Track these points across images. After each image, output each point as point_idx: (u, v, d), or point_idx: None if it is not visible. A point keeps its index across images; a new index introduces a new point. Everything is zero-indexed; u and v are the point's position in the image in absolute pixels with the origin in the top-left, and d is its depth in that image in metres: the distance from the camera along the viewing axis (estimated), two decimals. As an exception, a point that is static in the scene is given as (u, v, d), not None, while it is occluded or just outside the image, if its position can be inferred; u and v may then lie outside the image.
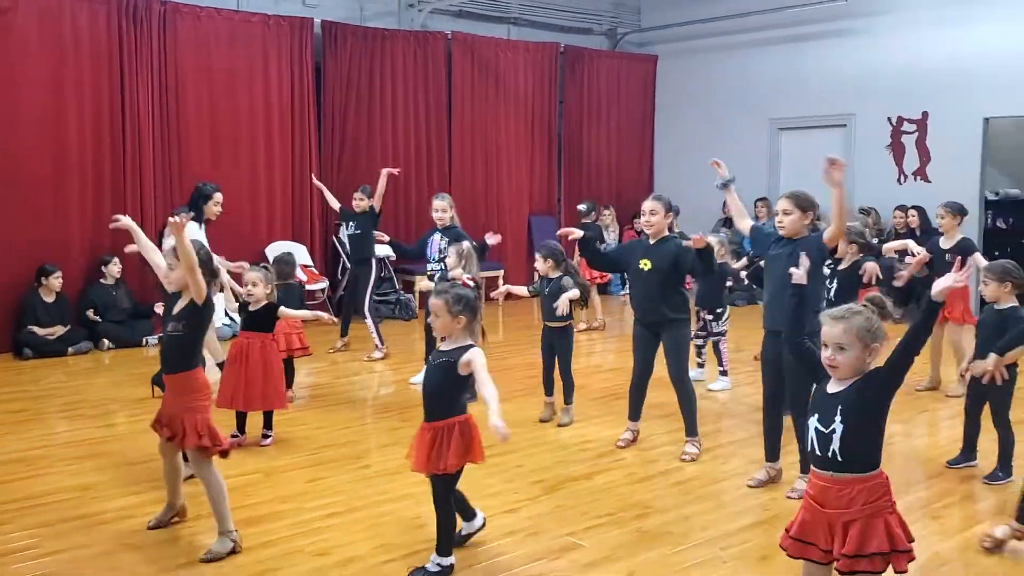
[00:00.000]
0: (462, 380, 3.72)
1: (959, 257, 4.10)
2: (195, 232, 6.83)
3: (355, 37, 10.85)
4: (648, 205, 5.33)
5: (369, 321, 8.41)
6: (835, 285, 5.84)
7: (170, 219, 3.95)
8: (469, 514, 4.06)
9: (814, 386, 3.08)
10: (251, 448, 5.55)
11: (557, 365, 6.22)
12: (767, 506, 4.67)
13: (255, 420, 5.71)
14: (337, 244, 10.66)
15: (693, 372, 7.17)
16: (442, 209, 7.32)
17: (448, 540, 3.79)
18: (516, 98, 12.45)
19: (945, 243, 6.86)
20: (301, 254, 10.15)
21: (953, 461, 5.25)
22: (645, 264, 5.29)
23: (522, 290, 6.53)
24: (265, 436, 5.65)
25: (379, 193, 8.41)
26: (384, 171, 8.43)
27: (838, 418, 2.85)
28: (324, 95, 10.70)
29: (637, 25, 13.92)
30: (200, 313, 4.06)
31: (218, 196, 7.24)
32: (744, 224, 5.15)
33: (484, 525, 4.14)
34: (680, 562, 3.98)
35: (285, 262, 6.64)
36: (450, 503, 3.79)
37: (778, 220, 4.73)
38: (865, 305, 2.95)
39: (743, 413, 6.49)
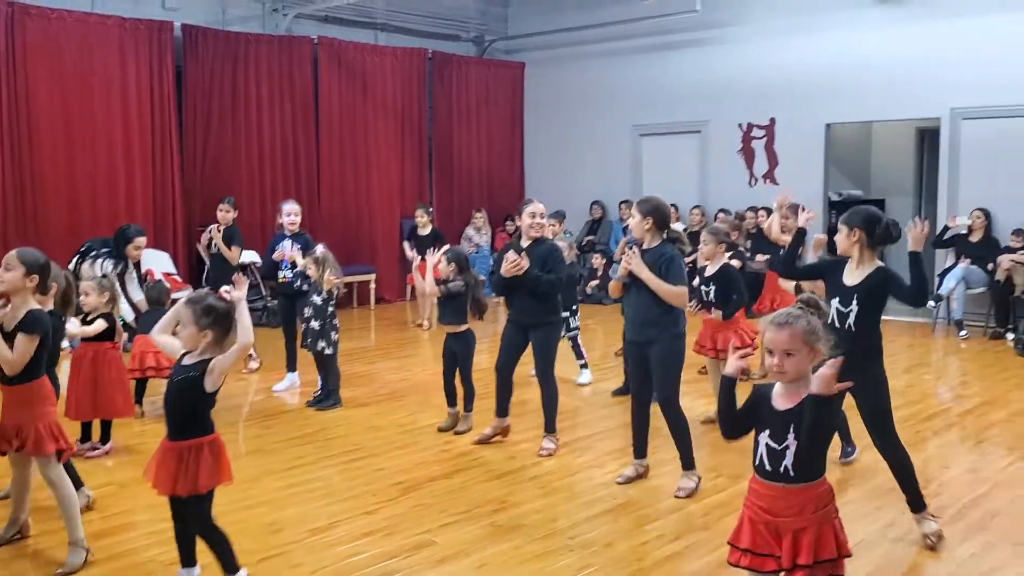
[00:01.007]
0: (208, 396, 3.52)
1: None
2: (125, 276, 6.71)
3: (217, 41, 10.67)
4: (541, 208, 5.62)
5: None
6: (712, 288, 6.15)
7: None
8: (191, 560, 3.67)
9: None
10: (105, 460, 5.49)
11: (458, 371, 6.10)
12: (616, 496, 4.90)
13: (116, 431, 5.65)
14: (201, 251, 10.40)
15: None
16: (296, 213, 7.27)
17: (230, 556, 3.62)
18: (384, 103, 12.47)
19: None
20: (163, 262, 9.94)
21: (842, 456, 5.44)
22: None
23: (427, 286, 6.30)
24: (94, 448, 5.57)
25: (222, 249, 7.81)
26: (213, 229, 7.84)
27: (791, 436, 2.87)
28: (185, 100, 10.49)
29: (504, 32, 14.17)
30: None
31: (139, 240, 7.02)
32: None
33: None
34: (529, 552, 4.16)
35: (159, 291, 6.78)
36: (212, 522, 3.60)
37: (628, 225, 5.04)
38: (801, 307, 2.98)
39: (601, 407, 6.76)
